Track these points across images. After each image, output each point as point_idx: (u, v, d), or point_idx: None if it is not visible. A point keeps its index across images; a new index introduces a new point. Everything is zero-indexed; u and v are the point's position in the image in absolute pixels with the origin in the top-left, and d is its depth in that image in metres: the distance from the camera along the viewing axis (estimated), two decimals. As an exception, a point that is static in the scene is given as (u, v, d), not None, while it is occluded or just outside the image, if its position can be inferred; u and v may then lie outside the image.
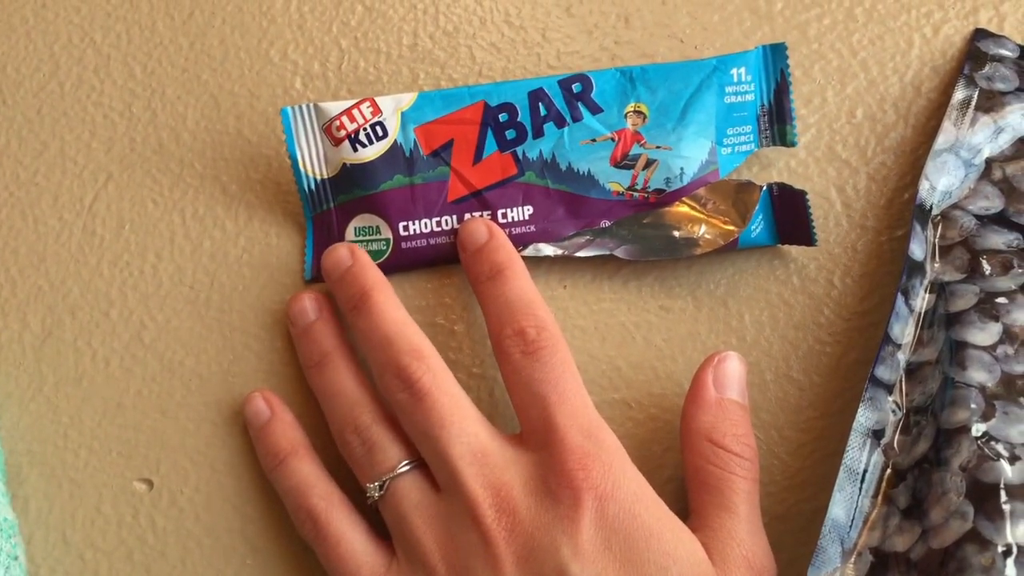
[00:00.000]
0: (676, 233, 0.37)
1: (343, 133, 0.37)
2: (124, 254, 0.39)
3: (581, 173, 0.37)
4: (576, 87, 0.38)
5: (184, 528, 0.36)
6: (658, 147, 0.37)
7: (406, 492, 0.33)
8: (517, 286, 0.34)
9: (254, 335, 0.38)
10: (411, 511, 0.33)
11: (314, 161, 0.38)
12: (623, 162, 0.37)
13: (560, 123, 0.37)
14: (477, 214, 0.37)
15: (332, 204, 0.38)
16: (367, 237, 0.37)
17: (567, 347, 0.33)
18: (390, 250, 0.37)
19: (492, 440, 0.33)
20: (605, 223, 0.37)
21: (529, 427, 0.33)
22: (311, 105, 0.37)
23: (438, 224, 0.37)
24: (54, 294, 0.38)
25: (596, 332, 0.37)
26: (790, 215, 0.37)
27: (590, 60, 0.40)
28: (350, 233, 0.37)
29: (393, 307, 0.35)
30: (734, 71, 0.38)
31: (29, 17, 0.42)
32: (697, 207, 0.37)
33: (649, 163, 0.37)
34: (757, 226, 0.37)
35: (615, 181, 0.37)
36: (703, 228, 0.37)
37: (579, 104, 0.38)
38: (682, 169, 0.37)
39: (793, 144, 0.37)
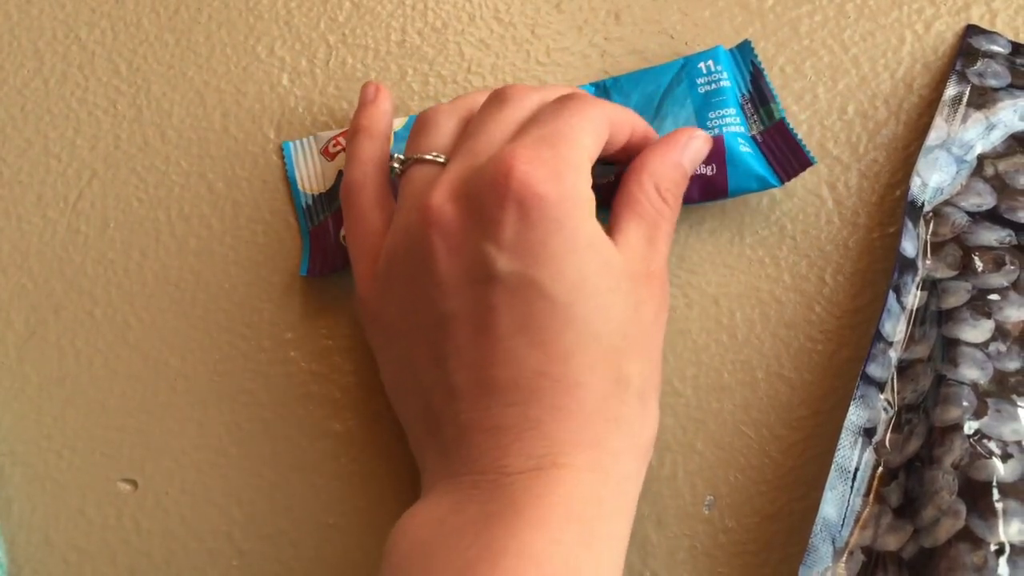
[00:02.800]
0: None
1: (338, 148, 0.38)
2: (108, 252, 0.38)
3: None
4: None
5: (169, 529, 0.36)
6: None
7: (418, 176, 0.33)
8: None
9: (240, 334, 0.37)
10: (410, 192, 0.33)
11: (311, 179, 0.38)
12: (607, 162, 0.37)
13: None
14: None
15: (328, 213, 0.37)
16: None
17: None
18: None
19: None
20: None
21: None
22: (311, 137, 0.39)
23: None
24: (38, 293, 0.38)
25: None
26: (780, 147, 0.37)
27: (579, 56, 0.40)
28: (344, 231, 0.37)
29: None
30: (702, 64, 0.38)
31: (13, 13, 0.41)
32: None
33: None
34: (744, 144, 0.37)
35: (603, 175, 0.37)
36: None
37: None
38: None
39: (782, 118, 0.37)
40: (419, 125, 0.35)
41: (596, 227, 0.31)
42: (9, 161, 0.39)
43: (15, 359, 0.37)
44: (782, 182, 0.36)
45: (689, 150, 0.34)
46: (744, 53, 0.38)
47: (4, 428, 0.37)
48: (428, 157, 0.34)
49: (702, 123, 0.37)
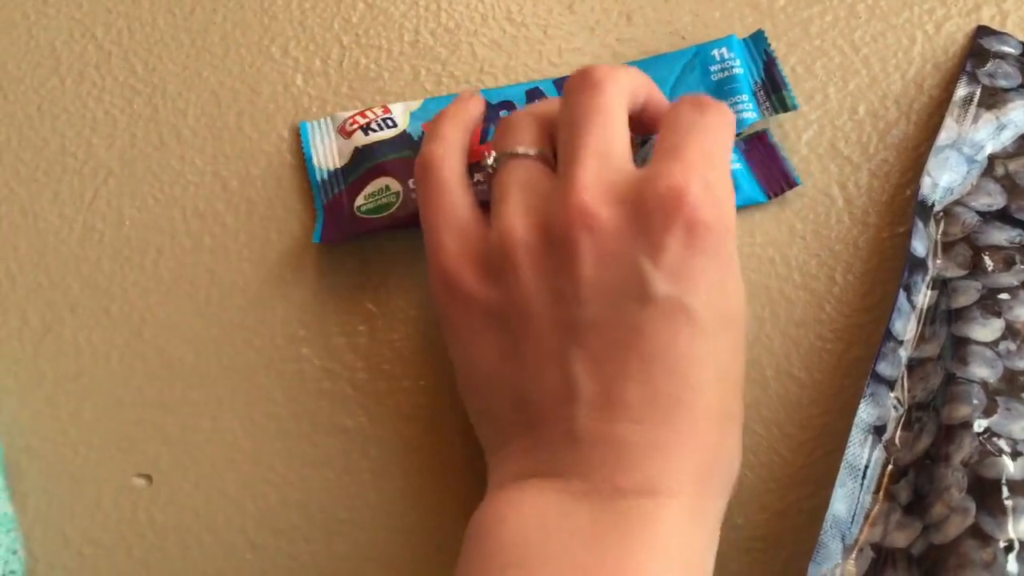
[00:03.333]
0: None
1: (355, 127, 0.38)
2: (124, 250, 0.39)
3: None
4: None
5: (183, 524, 0.36)
6: None
7: (518, 169, 0.33)
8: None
9: (254, 331, 0.38)
10: (514, 184, 0.33)
11: (327, 156, 0.39)
12: None
13: None
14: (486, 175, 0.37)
15: (343, 186, 0.38)
16: (378, 197, 0.37)
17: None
18: (400, 202, 0.37)
19: (625, 157, 0.32)
20: None
21: (660, 150, 0.32)
22: (327, 117, 0.39)
23: None
24: (54, 290, 0.38)
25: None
26: (766, 164, 0.37)
27: (592, 57, 0.40)
28: (360, 200, 0.37)
29: None
30: (715, 52, 0.38)
31: (30, 13, 0.42)
32: None
33: (645, 140, 0.37)
34: (735, 162, 0.37)
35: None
36: None
37: None
38: None
39: (795, 107, 0.37)
40: (503, 127, 0.35)
41: (739, 261, 0.31)
42: (26, 159, 0.40)
43: (32, 355, 0.38)
44: (769, 198, 0.37)
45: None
46: (757, 42, 0.39)
47: (21, 423, 0.37)
48: (526, 152, 0.33)
49: None
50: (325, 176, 0.38)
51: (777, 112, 0.38)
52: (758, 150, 0.38)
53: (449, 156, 0.34)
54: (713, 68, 0.38)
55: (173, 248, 0.39)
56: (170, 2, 0.42)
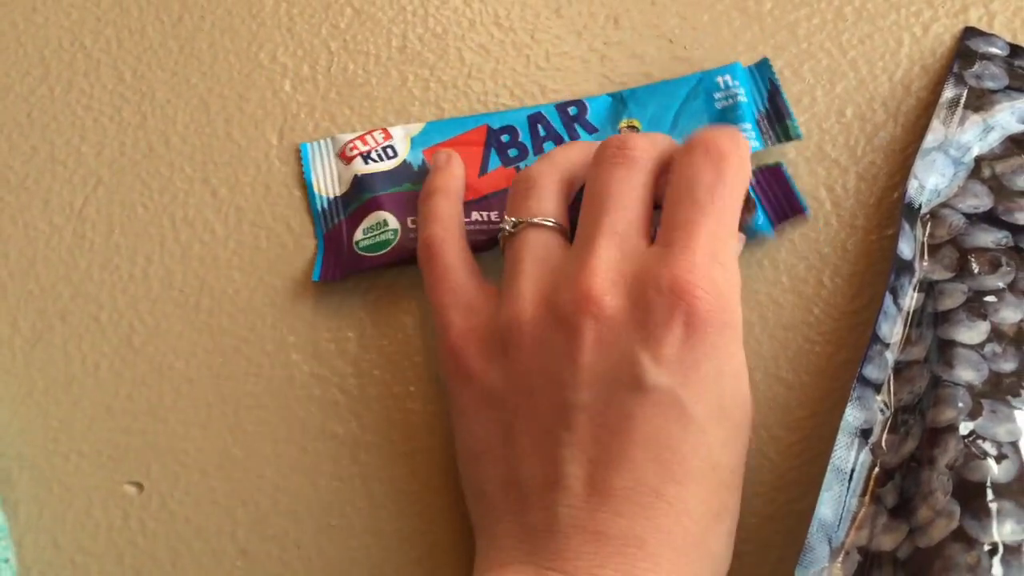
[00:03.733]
0: None
1: (355, 152, 0.39)
2: (114, 258, 0.39)
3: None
4: (572, 110, 0.39)
5: (174, 531, 0.36)
6: None
7: (535, 240, 0.34)
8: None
9: (244, 338, 0.38)
10: (528, 256, 0.33)
11: (327, 183, 0.39)
12: None
13: (559, 142, 0.38)
14: (484, 214, 0.37)
15: (343, 216, 0.38)
16: (375, 232, 0.37)
17: (747, 179, 0.34)
18: (397, 239, 0.37)
19: (640, 235, 0.33)
20: None
21: (668, 226, 0.32)
22: (328, 139, 0.39)
23: None
24: (44, 298, 0.38)
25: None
26: (775, 192, 0.37)
27: (579, 61, 0.40)
28: (358, 235, 0.37)
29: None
30: (719, 79, 0.38)
31: (19, 21, 0.42)
32: None
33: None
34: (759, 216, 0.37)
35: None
36: None
37: (575, 125, 0.38)
38: None
39: (798, 136, 0.38)
40: (520, 186, 0.35)
41: (743, 355, 0.32)
42: (15, 168, 0.40)
43: (22, 364, 0.38)
44: (774, 228, 0.37)
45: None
46: (762, 71, 0.39)
47: (11, 432, 0.37)
48: (544, 223, 0.34)
49: None
50: (325, 205, 0.39)
51: (780, 141, 0.38)
52: (771, 185, 0.37)
53: (449, 236, 0.35)
54: (717, 96, 0.38)
55: (162, 256, 0.39)
56: (159, 9, 0.42)
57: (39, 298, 0.38)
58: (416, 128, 0.39)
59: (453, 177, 0.37)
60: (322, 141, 0.39)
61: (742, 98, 0.38)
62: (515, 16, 0.41)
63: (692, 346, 0.30)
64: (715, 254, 0.31)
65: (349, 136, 0.39)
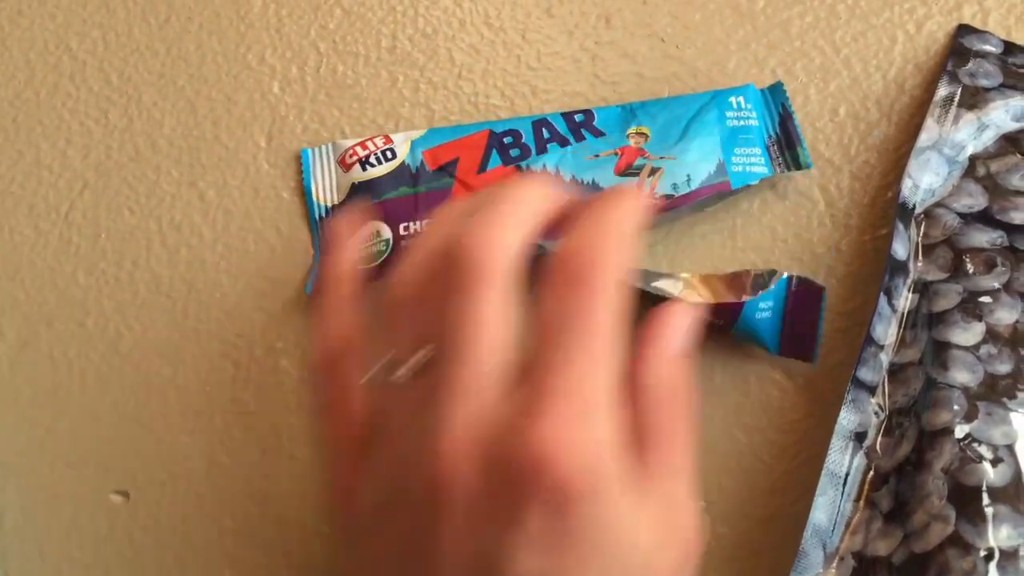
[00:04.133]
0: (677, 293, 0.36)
1: (355, 159, 0.38)
2: (100, 263, 0.38)
3: (585, 183, 0.37)
4: (578, 117, 0.38)
5: (161, 540, 0.36)
6: (661, 157, 0.37)
7: (399, 394, 0.27)
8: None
9: (231, 344, 0.37)
10: (399, 412, 0.27)
11: (326, 191, 0.38)
12: (627, 171, 0.37)
13: (564, 144, 0.38)
14: None
15: None
16: (369, 243, 0.37)
17: (622, 307, 0.27)
18: (389, 250, 0.37)
19: (494, 383, 0.26)
20: None
21: (535, 367, 0.26)
22: (329, 144, 0.39)
23: None
24: (30, 304, 0.38)
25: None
26: (799, 318, 0.35)
27: (570, 60, 0.40)
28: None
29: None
30: (732, 99, 0.38)
31: (4, 24, 0.41)
32: (713, 288, 0.36)
33: (654, 171, 0.37)
34: (766, 308, 0.35)
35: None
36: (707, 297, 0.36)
37: (582, 130, 0.38)
38: (688, 176, 0.37)
39: (808, 166, 0.37)
40: (382, 309, 0.28)
41: (633, 517, 0.26)
42: (1, 172, 0.39)
43: (7, 370, 0.37)
44: (779, 353, 0.35)
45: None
46: (775, 94, 0.38)
47: (-3, 439, 0.37)
48: (401, 367, 0.27)
49: (727, 157, 0.37)
50: (323, 214, 0.38)
51: (790, 169, 0.37)
52: (800, 312, 0.35)
53: (343, 355, 0.29)
54: (729, 114, 0.38)
55: (149, 260, 0.38)
56: (145, 11, 0.41)
57: (24, 304, 0.38)
58: (417, 133, 0.39)
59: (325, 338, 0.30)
60: (323, 147, 0.39)
61: (753, 121, 0.37)
62: (505, 16, 0.41)
63: (561, 525, 0.25)
64: (585, 402, 0.25)
65: (350, 142, 0.39)
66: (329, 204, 0.38)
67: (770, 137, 0.38)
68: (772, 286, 0.35)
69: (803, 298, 0.35)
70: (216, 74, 0.40)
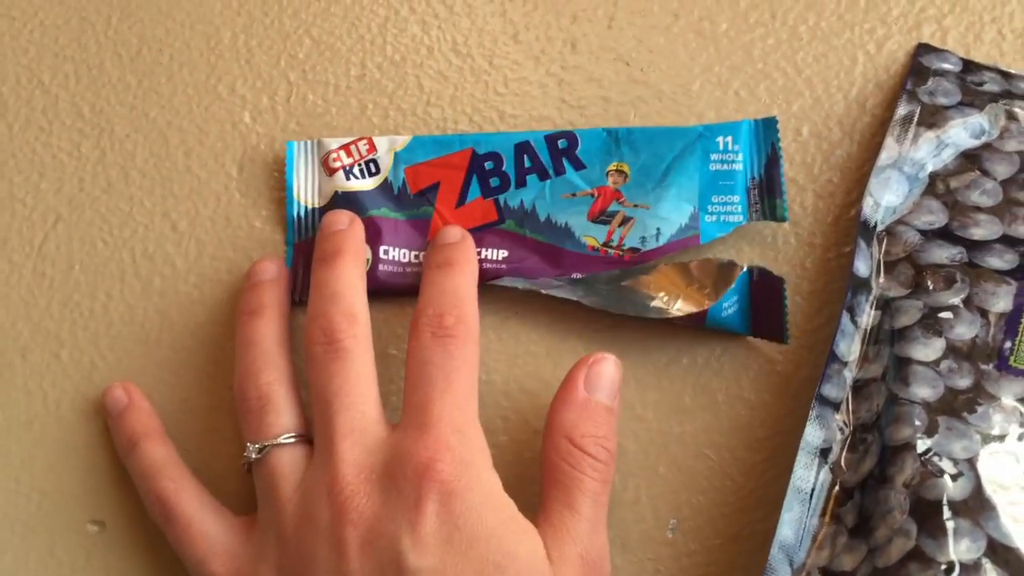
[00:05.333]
0: (651, 303, 0.36)
1: (338, 164, 0.38)
2: (74, 295, 0.39)
3: (558, 225, 0.38)
4: (562, 143, 0.38)
5: (138, 569, 0.36)
6: (636, 205, 0.37)
7: (282, 463, 0.33)
8: (459, 281, 0.35)
9: (206, 372, 0.38)
10: (281, 481, 0.33)
11: (308, 191, 0.39)
12: (600, 217, 0.37)
13: (543, 176, 0.38)
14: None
15: (317, 232, 0.38)
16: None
17: (477, 349, 0.34)
18: (367, 268, 0.37)
19: (378, 424, 0.33)
20: (576, 275, 0.37)
21: (409, 408, 0.33)
22: (315, 141, 0.39)
23: (416, 257, 0.38)
24: (4, 336, 0.38)
25: (548, 357, 0.37)
26: (765, 304, 0.36)
27: (537, 86, 0.41)
28: None
29: (355, 273, 0.35)
30: (720, 139, 0.38)
31: (-24, 60, 0.42)
32: (679, 279, 0.37)
33: (625, 220, 0.37)
34: (730, 306, 0.36)
35: (591, 236, 0.37)
36: (679, 302, 0.36)
37: (563, 159, 0.38)
38: (659, 230, 0.37)
39: (784, 219, 0.37)
40: (253, 404, 0.34)
41: (503, 513, 0.32)
42: (-25, 206, 0.40)
43: (-17, 403, 0.38)
44: (750, 334, 0.37)
45: (595, 381, 0.34)
46: (768, 130, 0.38)
47: (-27, 472, 0.37)
48: (287, 441, 0.34)
49: (704, 203, 0.37)
50: (302, 213, 0.39)
51: (765, 218, 0.37)
52: (767, 289, 0.36)
53: (179, 486, 0.35)
54: (714, 156, 0.38)
55: (123, 291, 0.39)
56: (117, 44, 0.42)
57: (-1, 337, 0.38)
58: (401, 142, 0.39)
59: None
60: (308, 142, 0.39)
61: (737, 165, 0.38)
62: (473, 43, 0.41)
63: (446, 519, 0.30)
64: (453, 425, 0.32)
65: (335, 143, 0.39)
66: (310, 205, 0.38)
67: (752, 180, 0.38)
68: (734, 283, 0.36)
69: (766, 287, 0.36)
70: (187, 105, 0.41)
